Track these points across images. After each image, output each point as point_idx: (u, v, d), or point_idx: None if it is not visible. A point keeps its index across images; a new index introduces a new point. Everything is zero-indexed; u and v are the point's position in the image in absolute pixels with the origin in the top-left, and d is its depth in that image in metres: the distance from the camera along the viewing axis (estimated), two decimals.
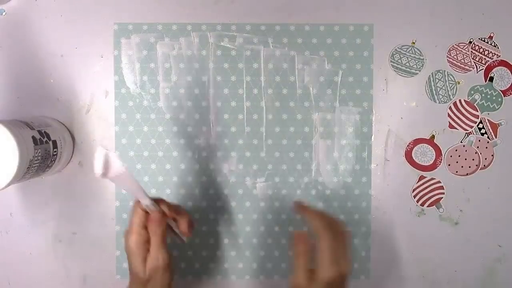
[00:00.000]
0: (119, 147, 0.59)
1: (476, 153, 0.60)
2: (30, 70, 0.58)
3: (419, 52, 0.59)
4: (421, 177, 0.60)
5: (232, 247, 0.60)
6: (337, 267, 0.46)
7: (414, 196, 0.60)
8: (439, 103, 0.59)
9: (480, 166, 0.60)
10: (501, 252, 0.60)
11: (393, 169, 0.60)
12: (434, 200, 0.60)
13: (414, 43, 0.59)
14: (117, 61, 0.59)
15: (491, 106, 0.59)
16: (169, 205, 0.49)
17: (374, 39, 0.59)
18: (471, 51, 0.59)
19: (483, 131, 0.59)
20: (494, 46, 0.59)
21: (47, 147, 0.52)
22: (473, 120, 0.59)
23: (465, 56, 0.59)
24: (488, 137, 0.60)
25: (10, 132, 0.46)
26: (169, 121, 0.59)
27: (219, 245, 0.60)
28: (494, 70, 0.59)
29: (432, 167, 0.60)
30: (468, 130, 0.60)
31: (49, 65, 0.58)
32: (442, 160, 0.60)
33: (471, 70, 0.59)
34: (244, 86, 0.59)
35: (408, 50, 0.59)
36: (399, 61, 0.59)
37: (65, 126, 0.58)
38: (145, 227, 0.47)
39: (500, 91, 0.59)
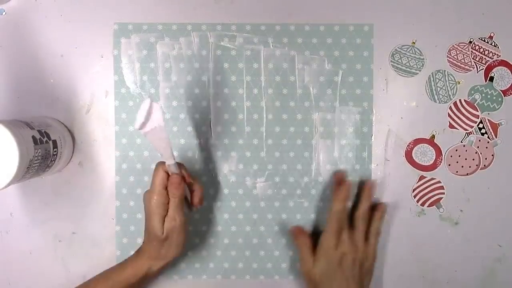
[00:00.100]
0: (119, 147, 0.59)
1: (476, 153, 0.60)
2: (30, 70, 0.58)
3: (419, 52, 0.59)
4: (421, 177, 0.60)
5: (232, 247, 0.60)
6: (338, 242, 0.54)
7: (414, 196, 0.60)
8: (439, 103, 0.59)
9: (480, 166, 0.60)
10: (501, 252, 0.60)
11: (393, 169, 0.60)
12: (434, 200, 0.60)
13: (414, 43, 0.59)
14: (117, 61, 0.59)
15: (491, 106, 0.59)
16: (188, 172, 0.52)
17: (374, 39, 0.59)
18: (471, 51, 0.59)
19: (483, 131, 0.59)
20: (494, 46, 0.59)
21: (47, 147, 0.52)
22: (473, 120, 0.59)
23: (465, 56, 0.59)
24: (488, 137, 0.60)
25: (10, 132, 0.46)
26: (169, 121, 0.59)
27: (219, 245, 0.60)
28: (494, 70, 0.59)
29: (432, 167, 0.60)
30: (468, 130, 0.60)
31: (49, 65, 0.58)
32: (442, 160, 0.60)
33: (471, 70, 0.59)
34: (244, 86, 0.59)
35: (408, 50, 0.59)
36: (399, 61, 0.59)
37: (65, 126, 0.58)
38: (165, 188, 0.49)
39: (500, 91, 0.59)
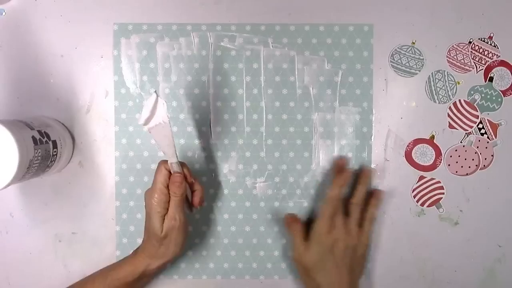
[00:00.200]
0: (119, 147, 0.59)
1: (476, 153, 0.60)
2: (30, 70, 0.58)
3: (419, 52, 0.59)
4: (421, 177, 0.60)
5: (232, 247, 0.60)
6: (331, 228, 0.54)
7: (414, 196, 0.60)
8: (439, 103, 0.59)
9: (480, 166, 0.60)
10: (501, 252, 0.60)
11: (393, 169, 0.60)
12: (434, 200, 0.60)
13: (414, 43, 0.59)
14: (117, 61, 0.59)
15: (491, 106, 0.59)
16: (190, 172, 0.52)
17: (374, 39, 0.59)
18: (471, 51, 0.59)
19: (483, 131, 0.59)
20: (494, 46, 0.59)
21: (47, 147, 0.52)
22: (473, 120, 0.59)
23: (465, 56, 0.59)
24: (488, 137, 0.60)
25: (10, 132, 0.46)
26: (169, 121, 0.59)
27: (219, 245, 0.60)
28: (494, 70, 0.59)
29: (432, 167, 0.60)
30: (468, 130, 0.60)
31: (49, 65, 0.58)
32: (442, 160, 0.60)
33: (471, 70, 0.59)
34: (244, 86, 0.59)
35: (408, 50, 0.59)
36: (399, 61, 0.59)
37: (65, 126, 0.58)
38: (167, 187, 0.49)
39: (500, 91, 0.59)
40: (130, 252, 0.55)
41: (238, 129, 0.59)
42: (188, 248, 0.60)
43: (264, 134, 0.59)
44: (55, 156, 0.53)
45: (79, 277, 0.55)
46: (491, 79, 0.59)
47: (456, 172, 0.60)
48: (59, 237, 0.59)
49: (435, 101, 0.59)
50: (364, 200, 0.57)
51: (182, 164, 0.51)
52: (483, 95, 0.59)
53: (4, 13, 0.58)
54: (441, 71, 0.59)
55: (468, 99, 0.59)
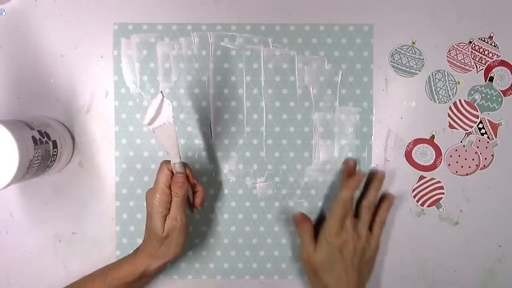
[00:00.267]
0: (119, 147, 0.59)
1: (476, 153, 0.60)
2: (30, 70, 0.58)
3: (419, 52, 0.59)
4: (421, 177, 0.60)
5: (232, 247, 0.60)
6: (340, 229, 0.54)
7: (414, 196, 0.60)
8: (439, 103, 0.59)
9: (480, 166, 0.60)
10: (501, 252, 0.60)
11: (393, 169, 0.60)
12: (434, 200, 0.60)
13: (414, 43, 0.59)
14: (117, 61, 0.59)
15: (491, 106, 0.59)
16: (192, 173, 0.51)
17: (374, 39, 0.59)
18: (471, 51, 0.59)
19: (483, 131, 0.59)
20: (494, 46, 0.59)
21: (47, 147, 0.52)
22: (473, 120, 0.59)
23: (465, 56, 0.59)
24: (488, 137, 0.60)
25: (10, 132, 0.46)
26: None
27: (219, 245, 0.60)
28: (494, 70, 0.59)
29: (432, 167, 0.60)
30: (468, 130, 0.60)
31: (49, 65, 0.58)
32: (442, 160, 0.60)
33: (471, 70, 0.59)
34: (244, 86, 0.59)
35: (408, 50, 0.59)
36: (399, 61, 0.59)
37: (65, 126, 0.58)
38: (169, 187, 0.49)
39: (500, 91, 0.59)
40: (130, 252, 0.55)
41: (238, 129, 0.59)
42: (188, 248, 0.60)
43: (264, 134, 0.59)
44: (55, 156, 0.53)
45: (79, 277, 0.55)
46: (491, 79, 0.59)
47: (456, 172, 0.60)
48: (59, 237, 0.59)
49: (435, 101, 0.59)
50: (375, 204, 0.57)
51: (184, 165, 0.51)
52: (483, 95, 0.59)
53: (4, 13, 0.58)
54: (441, 71, 0.59)
55: (468, 99, 0.59)
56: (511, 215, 0.60)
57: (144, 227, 0.57)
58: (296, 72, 0.59)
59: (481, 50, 0.59)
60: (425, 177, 0.60)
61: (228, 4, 0.59)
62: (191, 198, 0.53)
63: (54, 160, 0.54)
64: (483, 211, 0.60)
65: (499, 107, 0.59)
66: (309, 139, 0.59)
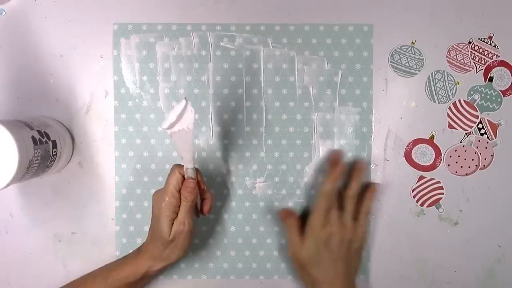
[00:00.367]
0: (118, 147, 0.59)
1: (475, 153, 0.60)
2: (30, 70, 0.58)
3: (418, 52, 0.59)
4: (421, 177, 0.60)
5: (231, 247, 0.60)
6: (326, 223, 0.54)
7: (414, 196, 0.60)
8: (439, 103, 0.59)
9: (480, 166, 0.60)
10: (501, 252, 0.60)
11: (392, 169, 0.60)
12: (433, 200, 0.60)
13: (413, 43, 0.59)
14: (116, 61, 0.59)
15: (491, 106, 0.59)
16: (202, 179, 0.52)
17: (374, 39, 0.59)
18: (471, 51, 0.59)
19: (482, 131, 0.59)
20: (494, 46, 0.59)
21: (47, 147, 0.52)
22: (472, 120, 0.59)
23: (464, 56, 0.59)
24: (487, 137, 0.60)
25: (10, 132, 0.46)
26: None
27: (219, 245, 0.60)
28: (493, 70, 0.59)
29: (432, 167, 0.60)
30: (467, 130, 0.60)
31: (49, 65, 0.58)
32: (442, 160, 0.60)
33: (470, 70, 0.59)
34: (244, 86, 0.59)
35: (407, 50, 0.59)
36: (399, 61, 0.59)
37: (65, 126, 0.58)
38: (179, 191, 0.49)
39: (499, 91, 0.59)
40: (130, 252, 0.55)
41: (238, 129, 0.59)
42: None
43: (264, 134, 0.59)
44: (54, 156, 0.53)
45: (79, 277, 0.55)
46: (490, 79, 0.59)
47: (456, 172, 0.60)
48: (59, 237, 0.59)
49: (435, 101, 0.59)
50: (358, 194, 0.56)
51: (196, 171, 0.51)
52: (483, 95, 0.59)
53: (4, 13, 0.58)
54: (441, 71, 0.59)
55: (468, 99, 0.59)
56: (511, 215, 0.60)
57: (144, 227, 0.58)
58: (296, 72, 0.59)
59: (480, 50, 0.59)
60: (424, 177, 0.60)
61: (228, 4, 0.59)
62: (199, 204, 0.54)
63: (54, 160, 0.54)
64: (483, 211, 0.60)
65: (499, 107, 0.59)
66: (308, 139, 0.59)
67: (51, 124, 0.55)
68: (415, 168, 0.60)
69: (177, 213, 0.50)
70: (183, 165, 0.50)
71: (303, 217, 0.58)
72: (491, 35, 0.59)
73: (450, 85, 0.59)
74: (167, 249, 0.51)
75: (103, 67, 0.59)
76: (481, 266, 0.61)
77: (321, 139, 0.59)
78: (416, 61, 0.59)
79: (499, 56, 0.59)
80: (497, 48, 0.59)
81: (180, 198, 0.49)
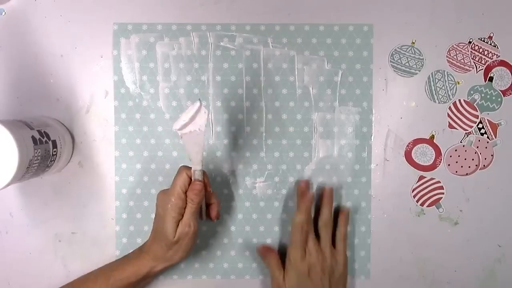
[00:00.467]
0: (118, 147, 0.59)
1: (475, 153, 0.60)
2: (30, 70, 0.58)
3: (418, 52, 0.59)
4: (421, 177, 0.60)
5: (231, 247, 0.60)
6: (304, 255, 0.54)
7: (414, 196, 0.60)
8: (439, 103, 0.59)
9: (480, 166, 0.60)
10: (501, 252, 0.60)
11: (393, 169, 0.60)
12: (434, 200, 0.60)
13: (414, 43, 0.59)
14: (116, 61, 0.59)
15: (491, 106, 0.59)
16: (209, 182, 0.53)
17: (374, 39, 0.59)
18: (471, 51, 0.59)
19: (482, 131, 0.59)
20: (494, 46, 0.59)
21: (47, 147, 0.52)
22: (472, 120, 0.59)
23: (464, 56, 0.59)
24: (487, 137, 0.59)
25: (10, 132, 0.46)
26: (169, 121, 0.59)
27: (219, 245, 0.60)
28: (493, 70, 0.59)
29: (432, 167, 0.60)
30: (467, 130, 0.59)
31: (49, 65, 0.58)
32: (442, 160, 0.60)
33: (470, 70, 0.59)
34: (244, 86, 0.59)
35: (407, 50, 0.59)
36: (399, 61, 0.59)
37: (65, 126, 0.58)
38: (185, 193, 0.49)
39: (499, 91, 0.59)
40: (130, 252, 0.55)
41: (238, 129, 0.59)
42: None
43: (264, 134, 0.59)
44: (54, 156, 0.53)
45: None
46: (491, 79, 0.59)
47: (456, 172, 0.60)
48: (59, 237, 0.59)
49: (435, 101, 0.59)
50: (331, 220, 0.56)
51: (203, 173, 0.51)
52: (483, 95, 0.59)
53: (4, 13, 0.58)
54: (441, 71, 0.59)
55: (468, 99, 0.59)
56: (511, 215, 0.60)
57: (144, 227, 0.57)
58: (296, 72, 0.59)
59: (480, 50, 0.59)
60: (425, 177, 0.60)
61: (228, 4, 0.59)
62: (203, 207, 0.54)
63: (54, 160, 0.54)
64: (483, 211, 0.60)
65: (499, 107, 0.59)
66: (308, 139, 0.59)
67: (51, 124, 0.55)
68: (415, 168, 0.60)
69: (183, 215, 0.50)
70: (190, 167, 0.50)
71: (282, 251, 0.58)
72: (491, 35, 0.59)
73: (450, 85, 0.59)
74: (170, 250, 0.50)
75: (103, 67, 0.59)
76: (481, 266, 0.61)
77: (321, 139, 0.59)
78: (416, 61, 0.59)
79: (499, 56, 0.59)
80: (497, 48, 0.59)
81: (186, 200, 0.49)
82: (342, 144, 0.60)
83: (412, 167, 0.60)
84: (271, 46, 0.59)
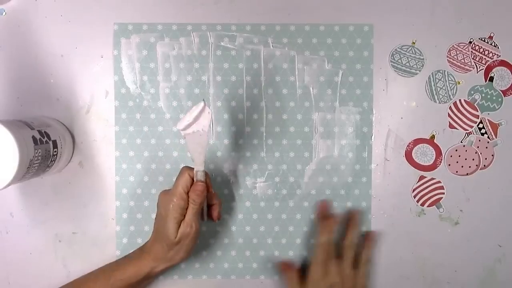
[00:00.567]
0: (119, 147, 0.59)
1: (476, 153, 0.60)
2: (30, 70, 0.58)
3: (419, 52, 0.59)
4: (421, 177, 0.60)
5: (232, 247, 0.60)
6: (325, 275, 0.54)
7: (414, 196, 0.60)
8: (439, 103, 0.59)
9: (480, 166, 0.60)
10: (501, 252, 0.60)
11: (393, 169, 0.60)
12: (434, 200, 0.60)
13: (414, 43, 0.59)
14: (117, 61, 0.59)
15: (491, 106, 0.59)
16: (211, 183, 0.53)
17: (374, 39, 0.59)
18: (471, 51, 0.59)
19: (483, 131, 0.59)
20: (494, 46, 0.59)
21: (47, 147, 0.52)
22: (473, 120, 0.59)
23: (465, 56, 0.59)
24: (488, 137, 0.60)
25: (10, 132, 0.46)
26: (169, 121, 0.59)
27: (219, 245, 0.60)
28: (494, 70, 0.59)
29: (432, 167, 0.60)
30: (468, 130, 0.60)
31: (49, 65, 0.58)
32: (442, 160, 0.60)
33: (471, 70, 0.59)
34: (244, 86, 0.59)
35: (408, 50, 0.59)
36: (399, 61, 0.59)
37: (65, 126, 0.58)
38: (187, 193, 0.50)
39: (500, 91, 0.59)
40: (130, 252, 0.55)
41: (238, 129, 0.59)
42: None
43: (264, 134, 0.59)
44: (55, 156, 0.53)
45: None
46: (491, 79, 0.59)
47: (456, 172, 0.60)
48: (59, 237, 0.59)
49: (435, 101, 0.59)
50: (355, 243, 0.57)
51: (206, 174, 0.51)
52: (483, 95, 0.59)
53: (4, 13, 0.58)
54: (441, 71, 0.59)
55: (468, 99, 0.59)
56: (511, 215, 0.60)
57: (145, 227, 0.57)
58: (296, 72, 0.59)
59: (481, 50, 0.59)
60: (425, 177, 0.60)
61: (228, 4, 0.59)
62: (205, 207, 0.54)
63: (54, 160, 0.54)
64: (483, 211, 0.60)
65: (499, 107, 0.59)
66: (309, 139, 0.59)
67: (51, 124, 0.55)
68: (415, 168, 0.60)
69: (184, 215, 0.50)
70: (192, 168, 0.50)
71: (303, 268, 0.58)
72: (492, 35, 0.59)
73: (450, 85, 0.59)
74: (171, 250, 0.50)
75: (104, 67, 0.59)
76: (481, 266, 0.61)
77: (322, 139, 0.59)
78: (417, 61, 0.59)
79: (499, 56, 0.59)
80: (498, 48, 0.59)
81: (188, 200, 0.49)
82: (343, 144, 0.60)
83: (412, 167, 0.60)
84: (271, 46, 0.59)
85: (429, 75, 0.59)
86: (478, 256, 0.60)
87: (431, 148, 0.60)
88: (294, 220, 0.60)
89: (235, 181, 0.60)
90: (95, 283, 0.52)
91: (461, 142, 0.60)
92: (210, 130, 0.59)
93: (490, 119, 0.59)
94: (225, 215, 0.60)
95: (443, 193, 0.60)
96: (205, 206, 0.53)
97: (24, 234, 0.59)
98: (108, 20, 0.58)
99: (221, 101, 0.59)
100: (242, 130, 0.59)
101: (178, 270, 0.60)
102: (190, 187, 0.50)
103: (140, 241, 0.59)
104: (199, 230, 0.51)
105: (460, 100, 0.59)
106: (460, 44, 0.59)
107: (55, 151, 0.53)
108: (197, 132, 0.48)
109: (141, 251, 0.53)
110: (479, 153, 0.60)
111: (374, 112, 0.59)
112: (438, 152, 0.60)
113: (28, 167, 0.48)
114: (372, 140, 0.60)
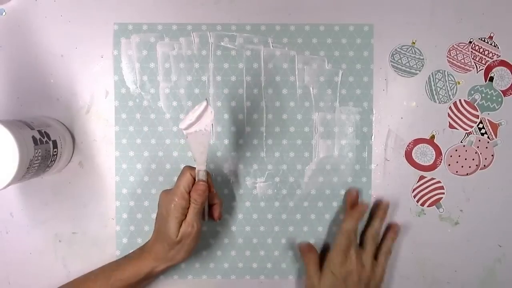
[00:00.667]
0: (119, 147, 0.59)
1: (476, 153, 0.60)
2: (30, 70, 0.58)
3: (419, 52, 0.59)
4: (421, 177, 0.60)
5: (232, 247, 0.60)
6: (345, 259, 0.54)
7: (414, 196, 0.60)
8: (439, 103, 0.59)
9: (480, 166, 0.60)
10: (501, 252, 0.60)
11: (393, 169, 0.60)
12: (434, 200, 0.60)
13: (414, 43, 0.59)
14: (117, 61, 0.59)
15: (491, 106, 0.59)
16: (212, 183, 0.53)
17: (374, 39, 0.59)
18: (471, 51, 0.59)
19: (483, 131, 0.59)
20: (494, 46, 0.59)
21: (47, 147, 0.52)
22: (473, 120, 0.59)
23: (465, 56, 0.59)
24: (488, 137, 0.60)
25: (10, 132, 0.46)
26: (169, 121, 0.59)
27: (219, 245, 0.60)
28: (494, 70, 0.59)
29: (432, 167, 0.60)
30: (468, 130, 0.60)
31: (49, 65, 0.58)
32: (442, 160, 0.60)
33: (471, 70, 0.59)
34: (244, 86, 0.59)
35: (408, 50, 0.59)
36: (399, 61, 0.59)
37: (65, 126, 0.58)
38: (188, 193, 0.49)
39: (500, 91, 0.59)
40: (130, 252, 0.55)
41: (238, 129, 0.59)
42: None
43: (264, 134, 0.59)
44: (55, 156, 0.53)
45: None
46: (491, 79, 0.59)
47: (456, 172, 0.60)
48: (59, 237, 0.59)
49: (435, 101, 0.59)
50: (379, 233, 0.57)
51: (207, 174, 0.51)
52: (483, 95, 0.59)
53: (4, 13, 0.58)
54: (441, 71, 0.59)
55: (468, 99, 0.59)
56: (511, 215, 0.60)
57: (145, 227, 0.57)
58: (296, 72, 0.59)
59: (481, 50, 0.59)
60: (425, 177, 0.60)
61: (228, 4, 0.59)
62: (206, 207, 0.54)
63: (54, 160, 0.54)
64: (483, 211, 0.60)
65: (499, 107, 0.59)
66: (309, 139, 0.59)
67: (51, 124, 0.55)
68: (415, 168, 0.60)
69: (186, 215, 0.50)
70: (194, 167, 0.50)
71: (323, 253, 0.59)
72: (492, 35, 0.59)
73: (450, 85, 0.59)
74: (172, 250, 0.50)
75: (104, 67, 0.59)
76: (481, 266, 0.61)
77: (322, 139, 0.59)
78: (417, 61, 0.59)
79: (499, 56, 0.59)
80: (498, 48, 0.59)
81: (190, 200, 0.49)
82: (343, 144, 0.60)
83: (412, 167, 0.60)
84: (271, 46, 0.59)
85: (429, 75, 0.59)
86: (478, 256, 0.60)
87: (431, 148, 0.60)
88: (294, 220, 0.60)
89: (235, 181, 0.60)
90: (95, 283, 0.52)
91: (461, 142, 0.60)
92: (211, 130, 0.59)
93: (490, 119, 0.59)
94: (225, 215, 0.60)
95: (443, 193, 0.60)
96: (206, 205, 0.53)
97: (24, 234, 0.59)
98: (108, 20, 0.58)
99: (221, 101, 0.59)
100: (242, 130, 0.59)
101: (178, 270, 0.60)
102: (192, 186, 0.50)
103: (140, 241, 0.59)
104: (200, 229, 0.51)
105: (460, 100, 0.59)
106: (460, 44, 0.59)
107: (55, 151, 0.53)
108: (200, 131, 0.48)
109: (141, 251, 0.53)
110: (479, 153, 0.60)
111: (374, 112, 0.59)
112: (438, 152, 0.60)
113: (28, 167, 0.48)
114: (372, 140, 0.60)
